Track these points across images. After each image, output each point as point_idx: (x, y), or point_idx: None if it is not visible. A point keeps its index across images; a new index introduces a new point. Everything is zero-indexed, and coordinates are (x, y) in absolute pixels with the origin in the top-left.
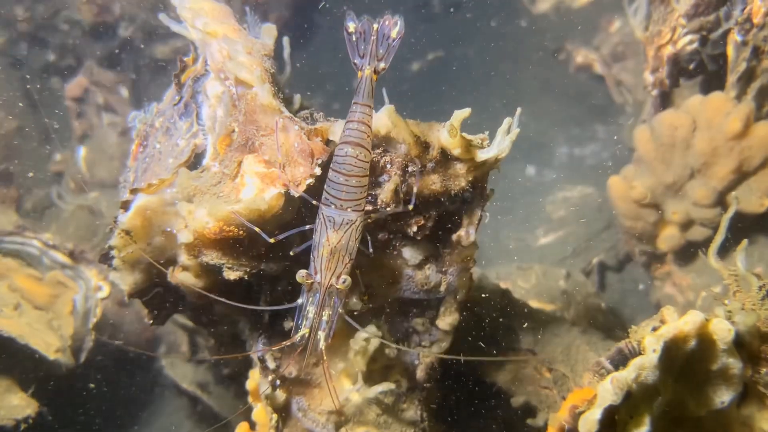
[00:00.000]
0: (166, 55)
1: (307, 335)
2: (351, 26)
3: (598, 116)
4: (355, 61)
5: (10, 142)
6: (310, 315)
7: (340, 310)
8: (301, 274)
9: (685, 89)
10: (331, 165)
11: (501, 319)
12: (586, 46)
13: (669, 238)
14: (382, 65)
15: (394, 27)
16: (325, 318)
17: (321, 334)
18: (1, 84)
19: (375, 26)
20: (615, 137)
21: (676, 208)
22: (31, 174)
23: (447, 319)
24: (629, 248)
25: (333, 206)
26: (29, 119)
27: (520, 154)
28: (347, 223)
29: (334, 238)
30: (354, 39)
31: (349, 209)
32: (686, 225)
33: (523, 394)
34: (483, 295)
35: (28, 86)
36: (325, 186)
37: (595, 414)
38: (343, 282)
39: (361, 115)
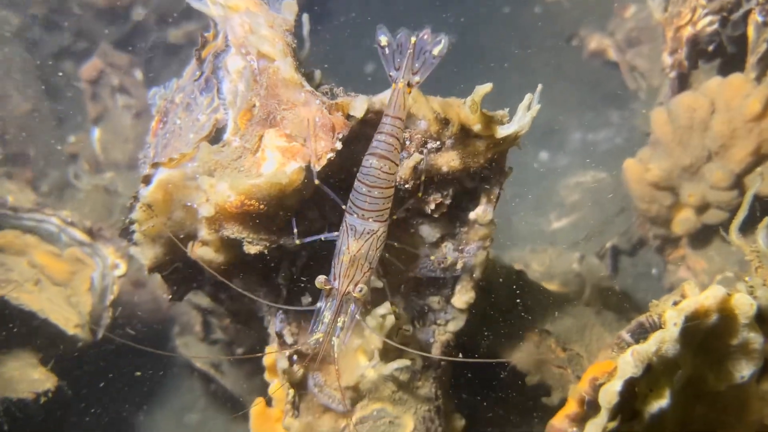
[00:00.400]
0: (179, 39)
1: (321, 340)
2: (383, 40)
3: (612, 102)
4: (390, 73)
5: (24, 125)
6: (326, 320)
7: (358, 317)
8: (319, 280)
9: (702, 73)
10: (357, 175)
11: (515, 299)
12: (600, 32)
13: (684, 221)
14: (416, 79)
15: (436, 44)
16: (340, 324)
17: (335, 340)
18: (16, 67)
19: (413, 39)
20: (628, 123)
21: (692, 191)
22: (46, 156)
23: (463, 298)
24: (643, 232)
25: (356, 215)
26: (43, 102)
27: (533, 140)
28: (368, 233)
29: (354, 246)
30: (387, 52)
31: (371, 219)
32: (702, 208)
33: (538, 373)
34: (497, 276)
35: (42, 69)
36: (350, 194)
37: (615, 386)
38: (360, 291)
39: (391, 128)
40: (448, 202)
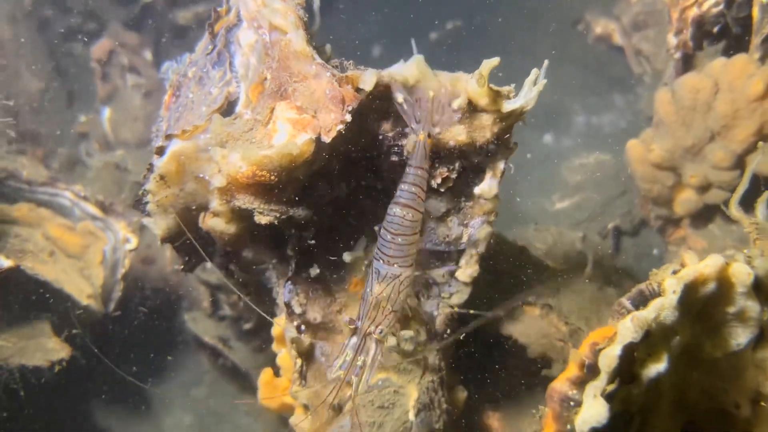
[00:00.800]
0: (188, 20)
1: (341, 377)
2: (399, 97)
3: (616, 86)
4: (412, 126)
5: (35, 104)
6: (348, 358)
7: (380, 358)
8: (345, 319)
9: (707, 57)
10: (383, 223)
11: (518, 275)
12: (605, 16)
13: (686, 201)
14: (437, 130)
15: (454, 98)
16: (360, 363)
17: (354, 379)
18: (27, 47)
19: (431, 93)
20: (633, 107)
21: (694, 171)
22: (56, 135)
23: (467, 271)
24: (645, 213)
25: (381, 261)
26: (54, 82)
27: (538, 123)
28: (391, 277)
29: (377, 289)
30: (406, 107)
31: (395, 265)
32: (704, 188)
33: (539, 346)
34: (501, 252)
35: (53, 49)
36: (377, 241)
37: (615, 350)
38: (380, 332)
39: (414, 177)
40: (454, 176)
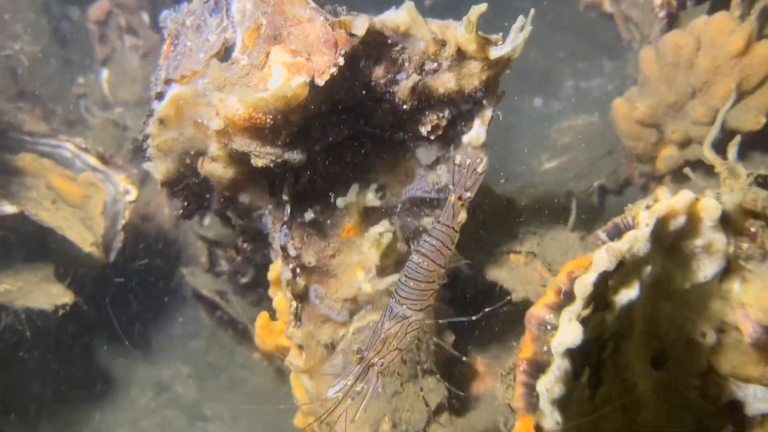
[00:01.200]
0: None
1: (338, 399)
2: (458, 159)
3: (605, 52)
4: (450, 186)
5: (34, 65)
6: (348, 382)
7: (380, 390)
8: (354, 348)
9: (690, 17)
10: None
11: (504, 223)
12: None
13: (668, 158)
14: (468, 195)
15: (480, 163)
16: (358, 389)
17: (352, 404)
18: (23, 8)
19: (468, 161)
20: (621, 72)
21: (675, 128)
22: (55, 97)
23: (466, 156)
24: (629, 172)
25: (395, 300)
26: (53, 43)
27: (529, 87)
28: (400, 317)
29: (387, 325)
30: (457, 170)
31: (404, 306)
32: (684, 144)
33: (523, 291)
34: (487, 203)
35: (51, 11)
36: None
37: (590, 278)
38: (381, 365)
39: (439, 233)
40: (444, 123)
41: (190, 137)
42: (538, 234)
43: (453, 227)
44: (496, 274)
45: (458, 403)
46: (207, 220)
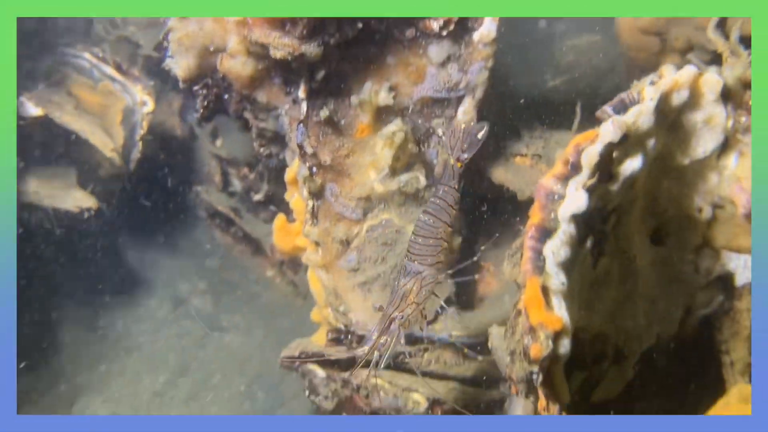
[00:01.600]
0: None
1: (366, 352)
2: (440, 131)
3: None
4: (448, 152)
5: None
6: (373, 337)
7: (402, 342)
8: (375, 306)
9: None
10: None
11: (510, 126)
12: None
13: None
14: (465, 156)
15: (480, 130)
16: (383, 341)
17: (376, 354)
18: None
19: (464, 125)
20: None
21: (678, 35)
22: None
23: (465, 118)
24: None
25: (408, 258)
26: None
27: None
28: (414, 272)
29: (402, 282)
30: (444, 138)
31: (416, 262)
32: (686, 51)
33: (529, 191)
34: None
35: None
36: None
37: (596, 148)
38: (401, 318)
39: (443, 193)
40: (455, 19)
41: (210, 31)
42: (543, 138)
43: (452, 186)
44: (503, 176)
45: (466, 299)
46: (219, 141)
